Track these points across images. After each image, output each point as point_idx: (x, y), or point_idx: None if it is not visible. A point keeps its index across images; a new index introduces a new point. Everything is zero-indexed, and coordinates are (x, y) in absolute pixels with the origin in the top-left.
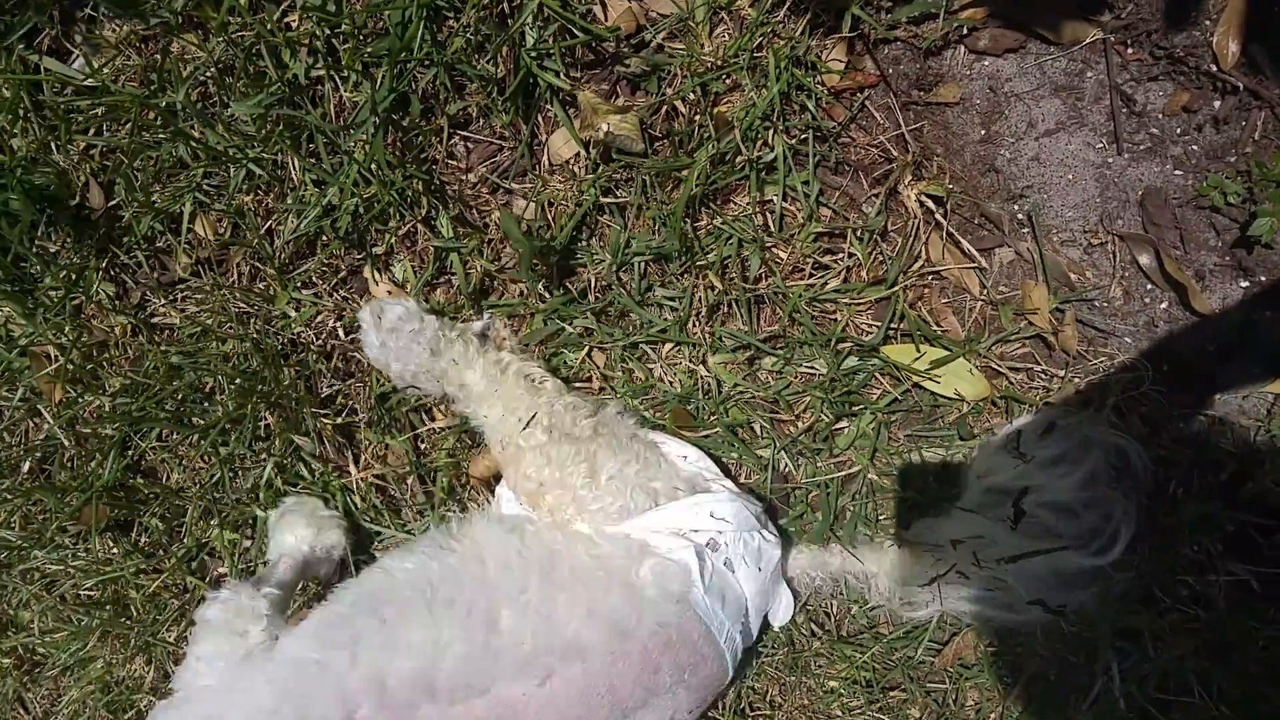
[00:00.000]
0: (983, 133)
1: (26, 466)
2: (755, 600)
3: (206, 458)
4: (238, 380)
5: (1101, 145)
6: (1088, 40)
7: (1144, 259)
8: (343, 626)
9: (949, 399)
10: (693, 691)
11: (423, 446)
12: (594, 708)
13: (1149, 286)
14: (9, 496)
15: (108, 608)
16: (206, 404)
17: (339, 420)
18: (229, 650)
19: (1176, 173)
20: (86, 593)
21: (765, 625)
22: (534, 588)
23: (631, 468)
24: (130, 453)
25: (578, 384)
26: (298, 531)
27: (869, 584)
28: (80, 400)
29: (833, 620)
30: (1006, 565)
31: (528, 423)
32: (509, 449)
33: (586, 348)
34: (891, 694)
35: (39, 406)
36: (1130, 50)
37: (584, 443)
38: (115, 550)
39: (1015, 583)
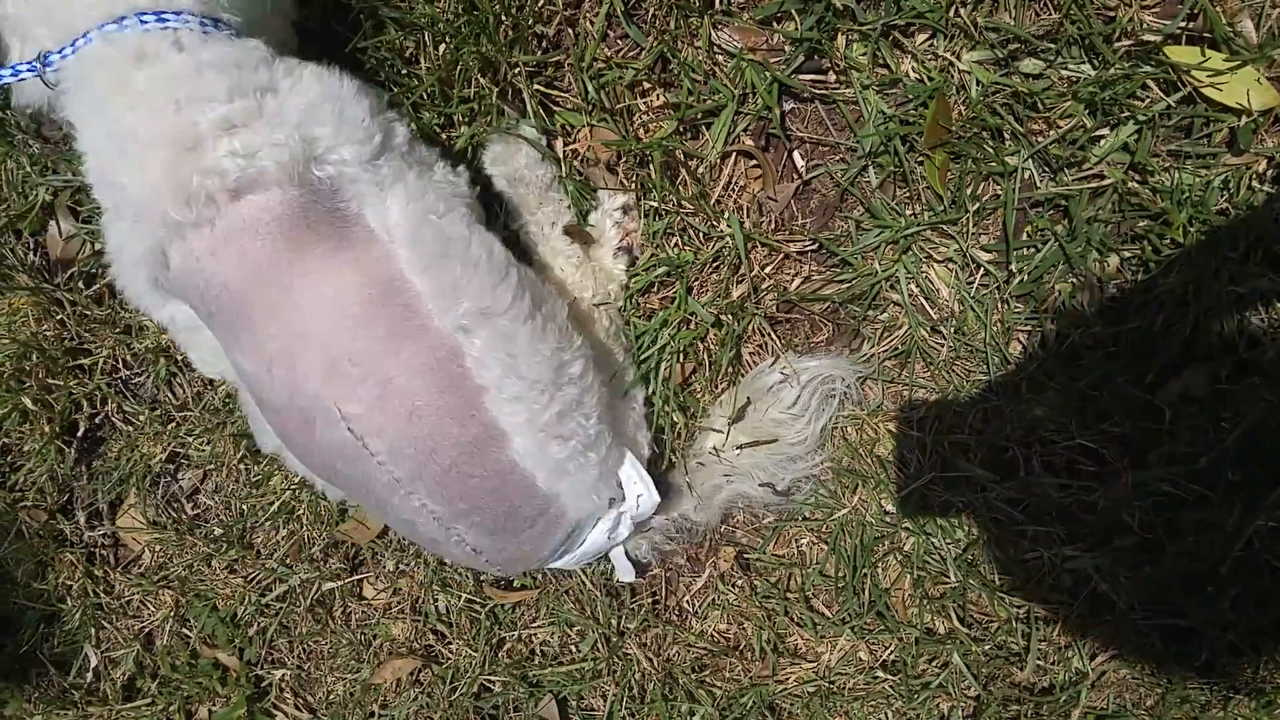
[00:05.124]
0: None
1: None
2: (582, 554)
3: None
4: (448, 39)
5: None
6: None
7: None
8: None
9: (1229, 110)
10: (485, 535)
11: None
12: (440, 402)
13: None
14: None
15: None
16: (407, 70)
17: (543, 89)
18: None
19: None
20: None
21: None
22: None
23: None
24: None
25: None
26: None
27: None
28: None
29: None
30: (738, 450)
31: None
32: (545, 245)
33: (843, 33)
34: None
35: None
36: None
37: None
38: None
39: (750, 468)
